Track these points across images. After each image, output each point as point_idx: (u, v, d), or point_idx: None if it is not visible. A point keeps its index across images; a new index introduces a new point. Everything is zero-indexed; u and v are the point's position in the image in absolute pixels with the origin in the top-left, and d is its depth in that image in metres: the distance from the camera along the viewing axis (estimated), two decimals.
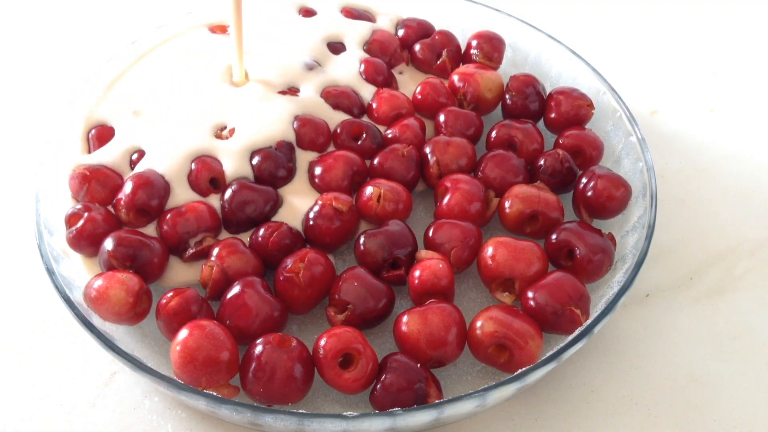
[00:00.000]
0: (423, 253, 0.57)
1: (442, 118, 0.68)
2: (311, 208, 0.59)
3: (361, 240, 0.58)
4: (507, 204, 0.61)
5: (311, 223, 0.59)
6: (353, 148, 0.65)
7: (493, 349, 0.52)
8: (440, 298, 0.54)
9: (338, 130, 0.66)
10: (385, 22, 0.77)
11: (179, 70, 0.69)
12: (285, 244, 0.57)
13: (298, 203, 0.61)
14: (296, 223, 0.60)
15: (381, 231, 0.58)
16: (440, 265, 0.55)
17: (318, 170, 0.63)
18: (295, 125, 0.65)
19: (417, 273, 0.55)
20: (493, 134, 0.67)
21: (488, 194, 0.62)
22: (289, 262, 0.55)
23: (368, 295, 0.54)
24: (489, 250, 0.57)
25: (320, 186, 0.62)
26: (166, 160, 0.61)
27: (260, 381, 0.49)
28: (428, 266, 0.55)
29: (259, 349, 0.50)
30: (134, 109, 0.65)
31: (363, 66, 0.71)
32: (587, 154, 0.66)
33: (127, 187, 0.59)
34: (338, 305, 0.54)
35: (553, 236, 0.59)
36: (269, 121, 0.64)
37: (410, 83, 0.74)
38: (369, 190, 0.60)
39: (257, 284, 0.54)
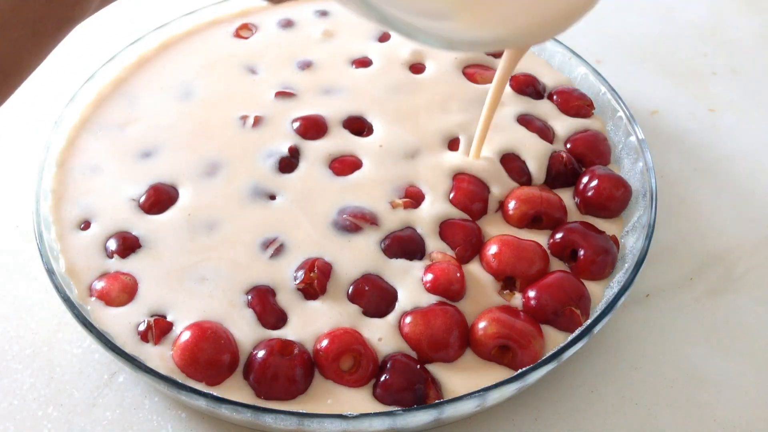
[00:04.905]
0: (436, 255, 0.57)
1: None
2: None
3: None
4: (510, 206, 0.61)
5: None
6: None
7: (497, 350, 0.52)
8: (447, 300, 0.54)
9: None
10: None
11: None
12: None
13: None
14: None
15: (390, 235, 0.58)
16: (457, 274, 0.55)
17: None
18: (296, 126, 0.66)
19: (429, 276, 0.55)
20: None
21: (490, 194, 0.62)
22: (300, 275, 0.55)
23: (380, 299, 0.54)
24: (492, 249, 0.57)
25: None
26: None
27: (262, 387, 0.50)
28: (442, 270, 0.55)
29: (261, 354, 0.50)
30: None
31: None
32: (592, 162, 0.66)
33: None
34: None
35: (557, 236, 0.59)
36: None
37: None
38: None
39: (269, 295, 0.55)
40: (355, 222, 0.58)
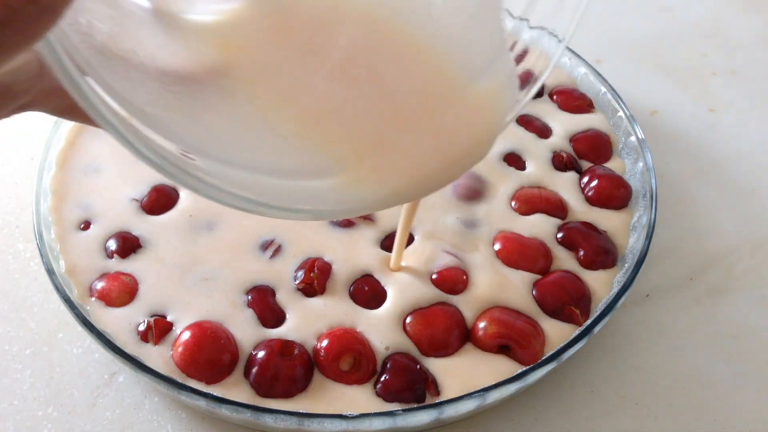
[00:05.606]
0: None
1: None
2: None
3: None
4: (511, 206, 0.61)
5: None
6: None
7: (497, 350, 0.52)
8: (448, 300, 0.54)
9: None
10: None
11: None
12: None
13: None
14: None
15: (388, 236, 0.58)
16: (464, 277, 0.55)
17: None
18: None
19: (433, 277, 0.55)
20: None
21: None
22: (300, 275, 0.55)
23: (380, 298, 0.55)
24: (495, 245, 0.57)
25: None
26: None
27: (262, 387, 0.50)
28: (449, 272, 0.55)
29: (261, 355, 0.50)
30: None
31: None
32: (594, 161, 0.66)
33: None
34: None
35: (558, 236, 0.59)
36: None
37: None
38: None
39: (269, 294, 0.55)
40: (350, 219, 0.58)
